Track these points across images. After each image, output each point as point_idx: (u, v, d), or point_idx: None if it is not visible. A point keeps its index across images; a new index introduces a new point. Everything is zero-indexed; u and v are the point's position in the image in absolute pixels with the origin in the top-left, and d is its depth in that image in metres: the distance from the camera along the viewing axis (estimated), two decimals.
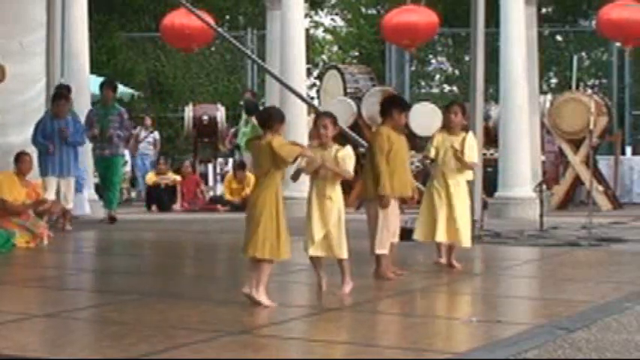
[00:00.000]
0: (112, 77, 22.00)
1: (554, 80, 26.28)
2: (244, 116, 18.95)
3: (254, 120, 18.43)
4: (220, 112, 20.12)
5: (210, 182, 20.74)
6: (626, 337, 6.05)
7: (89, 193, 15.18)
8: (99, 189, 15.20)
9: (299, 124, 15.31)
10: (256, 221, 7.11)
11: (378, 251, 8.41)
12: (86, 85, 15.41)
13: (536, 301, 8.06)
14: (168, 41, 19.05)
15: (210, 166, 21.22)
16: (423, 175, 15.06)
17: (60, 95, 13.02)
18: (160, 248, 12.21)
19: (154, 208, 17.71)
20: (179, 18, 17.33)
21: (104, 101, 14.28)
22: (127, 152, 16.88)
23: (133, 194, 20.55)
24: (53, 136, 12.67)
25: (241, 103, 19.93)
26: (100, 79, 20.36)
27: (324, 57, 32.78)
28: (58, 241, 11.89)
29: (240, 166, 17.99)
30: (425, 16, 17.95)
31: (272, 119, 7.18)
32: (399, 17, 18.15)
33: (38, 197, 11.51)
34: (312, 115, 17.72)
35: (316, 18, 32.82)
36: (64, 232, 12.60)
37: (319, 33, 33.35)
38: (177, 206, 17.78)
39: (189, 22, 16.82)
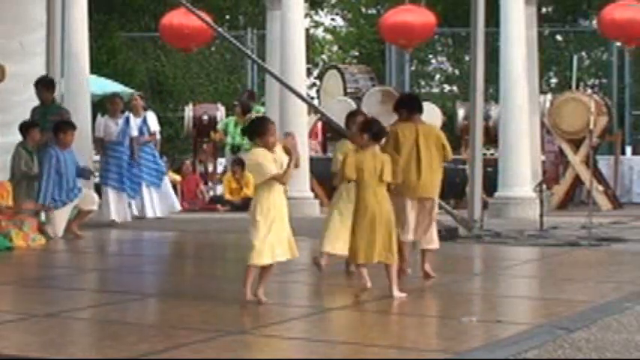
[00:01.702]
0: (112, 77, 22.14)
1: (554, 80, 26.27)
2: (234, 117, 18.89)
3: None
4: (220, 112, 20.10)
5: (210, 182, 20.70)
6: (626, 337, 6.05)
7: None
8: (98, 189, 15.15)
9: (299, 124, 15.29)
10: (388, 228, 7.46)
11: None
12: (86, 85, 15.39)
13: (536, 301, 8.06)
14: (167, 41, 19.03)
15: (210, 166, 21.19)
16: None
17: (68, 124, 12.69)
18: (160, 248, 12.21)
19: None
20: (178, 17, 17.31)
21: (43, 100, 13.43)
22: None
23: None
24: (67, 167, 12.43)
25: (235, 103, 19.85)
26: (101, 79, 20.47)
27: (324, 57, 32.77)
28: (57, 242, 11.90)
29: (239, 165, 17.97)
30: (422, 16, 17.95)
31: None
32: (396, 17, 18.17)
33: (5, 196, 11.48)
34: (312, 115, 17.83)
35: (316, 18, 32.83)
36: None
37: (319, 33, 33.36)
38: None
39: (187, 22, 16.81)
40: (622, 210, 17.19)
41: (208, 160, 20.36)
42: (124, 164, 14.31)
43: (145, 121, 14.74)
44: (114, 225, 13.98)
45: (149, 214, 14.60)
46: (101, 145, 14.50)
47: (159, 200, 14.74)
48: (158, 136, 15.19)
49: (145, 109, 15.29)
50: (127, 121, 14.42)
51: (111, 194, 14.19)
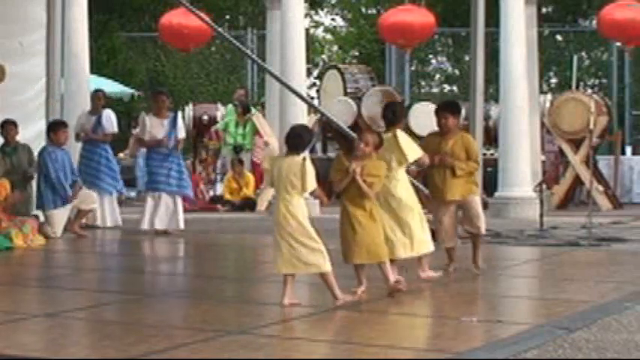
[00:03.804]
0: (112, 77, 22.14)
1: (554, 80, 26.27)
2: (234, 116, 18.90)
3: (254, 119, 18.48)
4: (220, 112, 20.11)
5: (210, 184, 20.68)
6: (626, 337, 6.05)
7: None
8: None
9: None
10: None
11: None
12: (86, 85, 15.39)
13: (536, 301, 8.06)
14: (166, 41, 19.03)
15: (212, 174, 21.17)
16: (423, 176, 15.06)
17: (60, 123, 12.73)
18: (160, 248, 12.20)
19: None
20: (177, 17, 17.32)
21: None
22: None
23: (133, 194, 20.51)
24: (65, 166, 12.37)
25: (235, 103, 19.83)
26: (101, 79, 20.47)
27: (324, 57, 32.80)
28: (57, 242, 11.90)
29: (239, 165, 17.98)
30: (421, 16, 17.94)
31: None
32: (395, 17, 18.16)
33: (3, 194, 11.52)
34: (312, 115, 17.83)
35: (316, 18, 32.86)
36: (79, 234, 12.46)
37: (319, 33, 33.39)
38: None
39: (187, 22, 16.81)
40: (622, 210, 17.18)
41: (210, 168, 20.13)
42: (174, 166, 12.87)
43: (100, 119, 13.70)
44: (161, 234, 12.70)
45: (100, 222, 13.44)
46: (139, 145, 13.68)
47: (111, 208, 13.63)
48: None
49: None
50: (175, 120, 13.05)
51: (150, 201, 12.84)
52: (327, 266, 7.06)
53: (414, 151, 8.21)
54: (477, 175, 9.18)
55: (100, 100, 13.99)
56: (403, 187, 8.14)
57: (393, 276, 7.55)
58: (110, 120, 13.81)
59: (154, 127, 12.87)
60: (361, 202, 7.43)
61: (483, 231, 9.10)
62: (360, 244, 7.41)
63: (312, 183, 7.09)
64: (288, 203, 7.07)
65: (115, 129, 13.93)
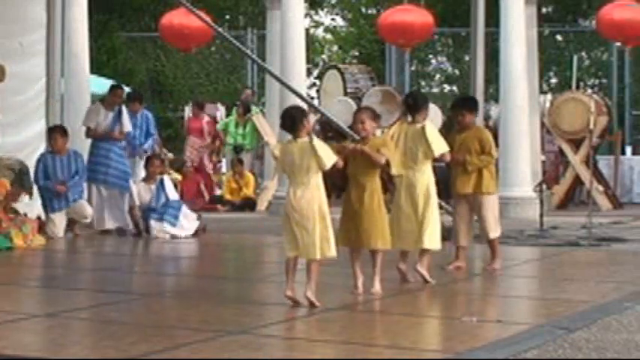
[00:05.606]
0: (112, 77, 22.13)
1: (554, 80, 26.27)
2: (235, 116, 18.91)
3: (254, 119, 18.49)
4: (220, 112, 20.13)
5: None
6: (626, 337, 6.05)
7: None
8: None
9: None
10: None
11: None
12: (86, 85, 15.40)
13: (536, 301, 8.06)
14: (167, 41, 19.05)
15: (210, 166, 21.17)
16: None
17: (55, 129, 12.71)
18: (160, 248, 12.20)
19: None
20: (178, 17, 17.33)
21: None
22: None
23: None
24: (57, 173, 12.32)
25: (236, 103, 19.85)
26: (100, 79, 20.48)
27: (324, 57, 32.80)
28: (57, 242, 11.90)
29: (239, 165, 17.99)
30: (420, 16, 17.96)
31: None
32: (395, 17, 18.18)
33: (3, 193, 11.53)
34: (312, 115, 17.81)
35: (316, 18, 32.87)
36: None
37: (319, 33, 33.39)
38: None
39: (188, 22, 16.82)
40: (622, 210, 17.19)
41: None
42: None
43: (119, 116, 13.38)
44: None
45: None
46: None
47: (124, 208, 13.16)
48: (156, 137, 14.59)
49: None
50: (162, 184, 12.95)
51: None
52: (333, 252, 7.07)
53: (440, 146, 8.19)
54: (492, 171, 9.18)
55: (120, 97, 13.67)
56: (426, 180, 8.15)
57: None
58: (127, 118, 13.54)
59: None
60: (368, 187, 7.54)
61: (492, 236, 9.05)
62: (373, 230, 7.46)
63: (329, 157, 7.03)
64: (305, 187, 7.01)
65: (130, 127, 13.70)
